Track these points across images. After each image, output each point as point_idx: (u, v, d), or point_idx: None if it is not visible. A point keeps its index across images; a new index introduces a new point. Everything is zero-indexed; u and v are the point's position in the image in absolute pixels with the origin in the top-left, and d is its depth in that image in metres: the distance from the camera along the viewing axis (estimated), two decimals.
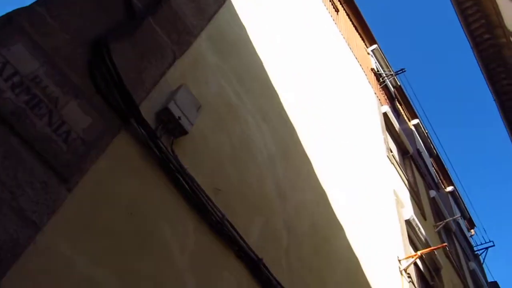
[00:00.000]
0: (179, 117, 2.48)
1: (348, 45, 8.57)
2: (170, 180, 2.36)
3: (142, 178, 2.21)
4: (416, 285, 6.05)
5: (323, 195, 4.17)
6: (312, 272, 3.44)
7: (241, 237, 2.64)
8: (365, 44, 11.24)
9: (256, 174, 3.17)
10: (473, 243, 16.20)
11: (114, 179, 2.05)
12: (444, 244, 7.35)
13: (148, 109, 2.37)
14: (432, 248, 6.51)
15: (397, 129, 9.82)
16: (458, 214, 13.27)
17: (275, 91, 4.16)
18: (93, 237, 1.85)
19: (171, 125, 2.47)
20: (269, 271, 2.77)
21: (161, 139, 2.36)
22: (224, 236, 2.57)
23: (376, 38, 11.57)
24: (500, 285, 14.86)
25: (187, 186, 2.42)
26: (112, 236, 1.93)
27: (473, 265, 13.00)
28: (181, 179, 2.40)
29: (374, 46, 11.46)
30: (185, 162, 2.46)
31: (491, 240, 16.43)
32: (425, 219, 8.90)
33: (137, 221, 2.08)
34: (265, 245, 2.90)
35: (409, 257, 5.97)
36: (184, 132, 2.52)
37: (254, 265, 2.70)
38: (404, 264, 5.89)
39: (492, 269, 34.46)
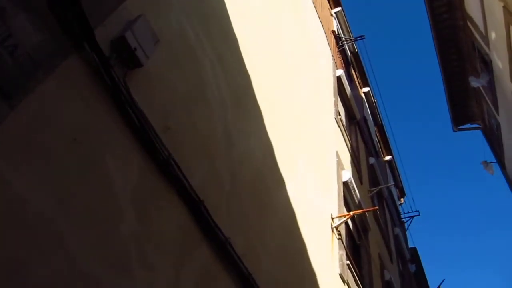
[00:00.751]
0: (135, 48, 2.39)
1: (313, 2, 8.49)
2: (119, 112, 2.30)
3: (90, 106, 2.14)
4: (344, 243, 6.39)
5: (269, 147, 4.24)
6: (250, 219, 3.54)
7: (185, 178, 2.65)
8: (330, 5, 11.19)
9: (207, 117, 3.16)
10: (401, 211, 17.22)
11: (61, 103, 1.97)
12: (376, 207, 7.76)
13: (103, 35, 2.27)
14: (364, 210, 6.87)
15: (348, 94, 10.02)
16: (392, 183, 13.95)
17: (235, 39, 4.10)
18: (33, 158, 1.79)
19: (126, 55, 2.39)
20: (209, 214, 2.83)
21: (114, 69, 2.28)
22: (169, 175, 2.57)
23: (341, 0, 11.54)
24: (418, 251, 16.05)
25: (136, 121, 2.38)
26: (52, 160, 1.88)
27: (397, 230, 13.85)
28: (130, 112, 2.35)
29: (338, 8, 11.44)
30: (137, 96, 2.40)
31: (417, 210, 17.51)
32: (361, 183, 9.30)
33: (80, 148, 2.03)
34: (207, 188, 2.94)
35: (342, 216, 6.27)
36: (138, 64, 2.45)
37: (195, 206, 2.74)
38: (337, 222, 6.18)
39: (414, 236, 36.89)
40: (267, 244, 3.74)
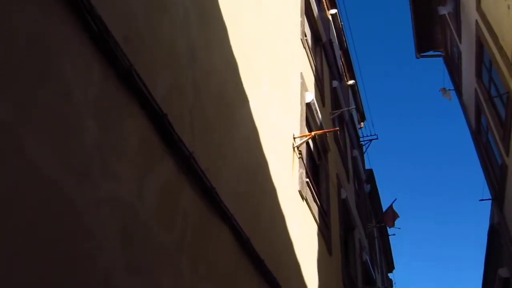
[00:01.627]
0: None
1: None
2: (77, 17, 2.19)
3: (46, 9, 2.02)
4: (304, 162, 6.60)
5: (233, 64, 4.19)
6: (213, 135, 3.58)
7: (147, 90, 2.61)
8: None
9: (170, 28, 3.05)
10: (360, 135, 17.77)
11: (15, 7, 1.85)
12: (337, 128, 7.96)
13: None
14: (325, 130, 7.04)
15: (315, 15, 9.84)
16: (353, 106, 14.22)
17: None
18: None
19: None
20: (172, 128, 2.83)
21: None
22: (130, 86, 2.52)
23: None
24: (374, 173, 16.85)
25: (94, 27, 2.27)
26: (7, 69, 1.79)
27: (356, 152, 14.36)
28: (89, 18, 2.23)
29: None
30: (96, 3, 2.27)
31: (376, 133, 18.12)
32: (323, 105, 9.43)
33: (36, 54, 1.94)
34: (170, 102, 2.91)
35: (304, 136, 6.42)
36: None
37: (158, 119, 2.72)
38: (298, 141, 6.33)
39: (371, 159, 38.52)
40: (230, 160, 3.82)
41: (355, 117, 17.16)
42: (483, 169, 13.44)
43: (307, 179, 6.55)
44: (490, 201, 12.89)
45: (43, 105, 1.91)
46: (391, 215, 14.34)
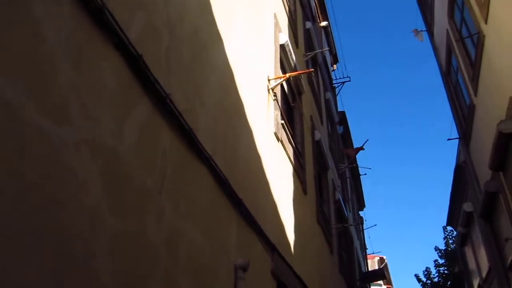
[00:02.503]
0: None
1: None
2: None
3: None
4: (279, 104, 6.63)
5: (207, 4, 4.08)
6: (189, 76, 3.54)
7: (121, 30, 2.54)
8: None
9: None
10: (333, 77, 17.82)
11: None
12: (311, 69, 7.96)
13: None
14: (300, 72, 7.04)
15: None
16: (326, 48, 14.15)
17: None
18: None
19: None
20: (148, 69, 2.79)
21: None
22: (104, 26, 2.44)
23: None
24: (346, 114, 17.09)
25: None
26: None
27: (329, 95, 14.45)
28: None
29: None
30: None
31: (348, 76, 18.19)
32: (297, 47, 9.35)
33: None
34: (145, 43, 2.85)
35: (278, 77, 6.41)
36: None
37: (133, 60, 2.67)
38: (273, 83, 6.33)
39: (344, 101, 38.92)
40: (206, 101, 3.82)
41: (328, 59, 17.12)
42: (451, 110, 13.80)
43: (282, 121, 6.62)
44: (458, 140, 13.36)
45: (14, 47, 1.84)
46: (356, 150, 14.75)
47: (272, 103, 6.27)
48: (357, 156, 17.08)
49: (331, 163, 11.76)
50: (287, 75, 6.47)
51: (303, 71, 7.24)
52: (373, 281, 15.81)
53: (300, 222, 7.07)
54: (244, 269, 3.91)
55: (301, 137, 8.18)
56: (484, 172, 11.01)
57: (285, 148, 6.65)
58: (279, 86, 6.82)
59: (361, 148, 15.06)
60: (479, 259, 12.88)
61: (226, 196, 4.02)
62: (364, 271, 16.73)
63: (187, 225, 3.14)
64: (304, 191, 7.66)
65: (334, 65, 18.63)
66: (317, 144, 9.87)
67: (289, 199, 6.58)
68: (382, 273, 13.03)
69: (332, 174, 12.32)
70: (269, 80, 6.28)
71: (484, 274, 12.31)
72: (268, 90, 6.20)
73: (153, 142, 2.85)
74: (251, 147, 5.02)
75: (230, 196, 4.09)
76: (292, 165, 7.06)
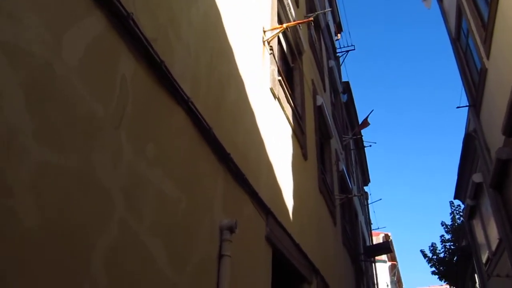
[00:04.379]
0: None
1: None
2: None
3: None
4: (276, 59, 6.06)
5: None
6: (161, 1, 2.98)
7: None
8: None
9: None
10: (337, 46, 17.12)
11: None
12: (310, 18, 7.33)
13: None
14: (298, 21, 6.43)
15: None
16: (329, 8, 13.46)
17: None
18: None
19: None
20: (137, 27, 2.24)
21: None
22: None
23: None
24: (351, 85, 16.44)
25: None
26: None
27: (332, 63, 13.81)
28: None
29: None
30: None
31: (353, 44, 17.47)
32: (297, 6, 8.72)
33: None
34: None
35: (274, 28, 5.82)
36: None
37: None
38: (269, 35, 5.75)
39: (348, 71, 38.01)
40: (184, 35, 3.26)
41: (332, 28, 16.41)
42: (461, 76, 13.15)
43: (279, 78, 6.05)
44: (467, 108, 12.73)
45: None
46: (363, 124, 14.14)
47: (267, 56, 5.70)
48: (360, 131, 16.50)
49: (334, 132, 11.20)
50: (284, 25, 5.86)
51: (301, 21, 6.64)
52: (378, 255, 15.41)
53: (300, 189, 6.57)
54: (231, 230, 3.41)
55: (301, 100, 7.61)
56: (495, 141, 10.45)
57: (283, 108, 6.10)
58: (276, 41, 6.23)
59: (367, 123, 14.46)
60: (488, 232, 12.40)
61: (211, 148, 3.50)
62: (369, 245, 16.33)
63: (155, 172, 2.62)
64: (305, 157, 7.14)
65: (338, 34, 17.89)
66: (319, 110, 9.31)
67: (287, 162, 6.06)
68: (387, 247, 12.58)
69: (335, 144, 11.77)
70: (264, 31, 5.69)
71: (493, 247, 11.84)
72: (264, 42, 5.61)
73: (108, 66, 2.31)
74: (241, 99, 4.48)
75: (216, 148, 3.56)
76: (291, 127, 6.52)
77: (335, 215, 9.47)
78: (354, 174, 15.95)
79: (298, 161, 6.72)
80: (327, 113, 10.07)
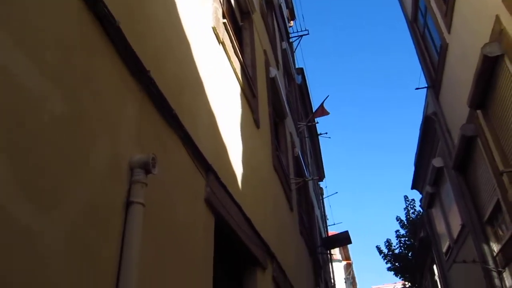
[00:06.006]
0: None
1: None
2: None
3: None
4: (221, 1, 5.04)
5: None
6: None
7: None
8: None
9: None
10: (290, 31, 16.32)
11: None
12: None
13: None
14: None
15: None
16: None
17: None
18: None
19: None
20: None
21: None
22: None
23: None
24: (305, 71, 15.65)
25: None
26: None
27: (285, 45, 12.96)
28: None
29: None
30: None
31: (306, 29, 16.73)
32: None
33: None
34: None
35: None
36: None
37: None
38: None
39: (303, 56, 37.41)
40: None
41: (285, 12, 15.60)
42: (419, 58, 12.61)
43: (225, 20, 5.02)
44: (426, 90, 12.20)
45: None
46: (321, 112, 13.33)
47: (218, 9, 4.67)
48: (315, 119, 15.75)
49: (288, 114, 10.28)
50: None
51: None
52: (337, 246, 14.63)
53: (251, 158, 5.55)
54: (146, 169, 2.31)
55: (251, 62, 6.61)
56: (457, 121, 9.88)
57: (229, 58, 5.06)
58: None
59: (325, 112, 13.66)
60: (449, 220, 11.86)
61: (120, 56, 2.40)
62: (326, 236, 15.52)
63: (12, 55, 1.52)
64: (256, 124, 6.11)
65: (291, 21, 17.13)
66: (272, 83, 8.34)
67: (235, 122, 5.01)
68: (347, 237, 11.77)
69: (291, 127, 10.86)
70: None
71: (455, 235, 11.29)
72: None
73: None
74: (172, 22, 3.40)
75: (127, 58, 2.47)
76: (240, 84, 5.48)
77: (291, 199, 8.50)
78: (310, 166, 15.12)
79: (248, 125, 5.69)
80: (281, 88, 9.13)
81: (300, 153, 11.23)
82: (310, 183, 14.74)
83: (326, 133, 27.99)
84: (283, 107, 9.18)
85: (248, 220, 4.59)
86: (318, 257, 12.12)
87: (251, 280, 4.78)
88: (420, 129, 12.57)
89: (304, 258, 9.78)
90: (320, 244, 12.83)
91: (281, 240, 6.67)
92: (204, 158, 3.50)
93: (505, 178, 7.62)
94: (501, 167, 7.55)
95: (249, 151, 5.41)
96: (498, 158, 7.78)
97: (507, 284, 8.48)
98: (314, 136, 17.16)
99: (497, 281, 8.72)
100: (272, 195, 6.54)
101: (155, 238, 2.47)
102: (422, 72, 12.51)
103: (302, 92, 15.36)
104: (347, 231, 11.79)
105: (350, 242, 12.16)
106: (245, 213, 4.48)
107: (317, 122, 13.82)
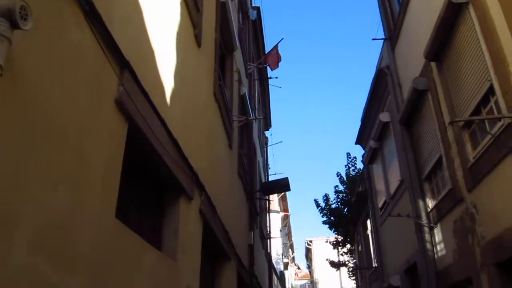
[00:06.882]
0: None
1: None
2: None
3: None
4: None
5: None
6: None
7: None
8: None
9: None
10: None
11: None
12: None
13: None
14: None
15: None
16: None
17: None
18: None
19: None
20: None
21: None
22: None
23: None
24: (261, 10, 14.81)
25: None
26: None
27: None
28: None
29: None
30: None
31: None
32: None
33: None
34: None
35: None
36: None
37: None
38: None
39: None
40: None
41: None
42: (380, 7, 12.13)
43: None
44: (382, 43, 11.82)
45: None
46: (275, 57, 12.72)
47: None
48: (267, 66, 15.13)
49: (239, 46, 9.58)
50: None
51: None
52: (276, 192, 14.48)
53: (187, 77, 4.90)
54: (12, 21, 1.65)
55: None
56: (409, 76, 9.60)
57: None
58: None
59: (278, 56, 13.01)
60: (389, 176, 11.87)
61: None
62: (266, 181, 15.36)
63: None
64: (198, 41, 5.41)
65: None
66: (222, 8, 7.58)
67: (169, 28, 4.29)
68: (286, 183, 11.54)
69: (240, 63, 10.19)
70: None
71: (392, 191, 11.33)
72: None
73: None
74: None
75: None
76: None
77: (231, 136, 7.97)
78: (256, 111, 14.60)
79: (187, 40, 4.99)
80: (233, 20, 8.39)
81: (247, 95, 10.65)
82: (255, 129, 14.29)
83: (277, 77, 27.35)
84: (233, 39, 8.47)
85: (174, 141, 4.00)
86: (256, 202, 11.86)
87: (174, 210, 4.26)
88: (371, 82, 12.29)
89: (240, 201, 9.42)
90: (259, 189, 12.57)
91: (215, 174, 6.16)
92: (118, 49, 2.82)
93: (450, 133, 7.46)
94: (448, 121, 7.36)
95: (185, 68, 4.75)
96: (446, 112, 7.58)
97: (437, 239, 8.55)
98: (264, 80, 16.56)
99: (427, 236, 8.78)
100: (209, 124, 5.95)
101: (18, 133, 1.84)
102: (381, 24, 12.06)
103: (256, 32, 14.58)
104: (287, 178, 11.53)
105: (288, 189, 11.96)
106: (171, 132, 3.88)
107: (267, 64, 13.16)
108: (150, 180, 4.00)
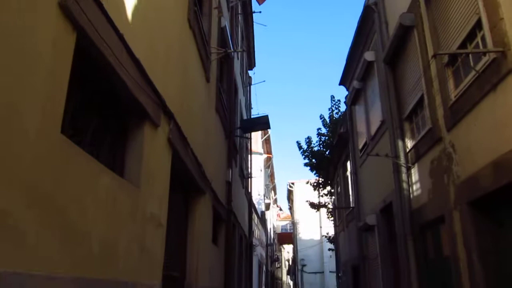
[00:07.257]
0: None
1: None
2: None
3: None
4: None
5: None
6: None
7: None
8: None
9: None
10: None
11: None
12: None
13: None
14: None
15: None
16: None
17: None
18: None
19: None
20: None
21: None
22: None
23: None
24: None
25: None
26: None
27: None
28: None
29: None
30: None
31: None
32: None
33: None
34: None
35: None
36: None
37: None
38: None
39: None
40: None
41: None
42: None
43: None
44: None
45: None
46: None
47: None
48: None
49: None
50: None
51: None
52: (255, 130, 14.36)
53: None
54: None
55: None
56: (396, 13, 9.21)
57: None
58: None
59: None
60: (370, 117, 11.75)
61: None
62: (246, 118, 15.16)
63: None
64: None
65: None
66: None
67: None
68: (266, 121, 11.34)
69: None
70: None
71: (373, 131, 11.25)
72: None
73: None
74: None
75: None
76: None
77: (208, 69, 7.64)
78: (239, 47, 14.12)
79: None
80: None
81: (227, 27, 10.19)
82: (237, 66, 13.89)
83: (260, 12, 26.41)
84: None
85: (136, 62, 3.72)
86: (235, 140, 11.71)
87: (137, 135, 4.04)
88: (358, 21, 11.87)
89: (217, 136, 9.23)
90: (239, 126, 12.38)
91: (187, 104, 5.91)
92: None
93: (433, 70, 7.25)
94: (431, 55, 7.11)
95: None
96: (431, 49, 7.32)
97: (413, 179, 8.56)
98: (248, 15, 15.92)
99: (404, 176, 8.78)
100: (180, 51, 5.61)
101: None
102: None
103: None
104: (267, 115, 11.33)
105: (268, 127, 11.79)
106: (131, 50, 3.59)
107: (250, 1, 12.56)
108: (110, 103, 3.75)
